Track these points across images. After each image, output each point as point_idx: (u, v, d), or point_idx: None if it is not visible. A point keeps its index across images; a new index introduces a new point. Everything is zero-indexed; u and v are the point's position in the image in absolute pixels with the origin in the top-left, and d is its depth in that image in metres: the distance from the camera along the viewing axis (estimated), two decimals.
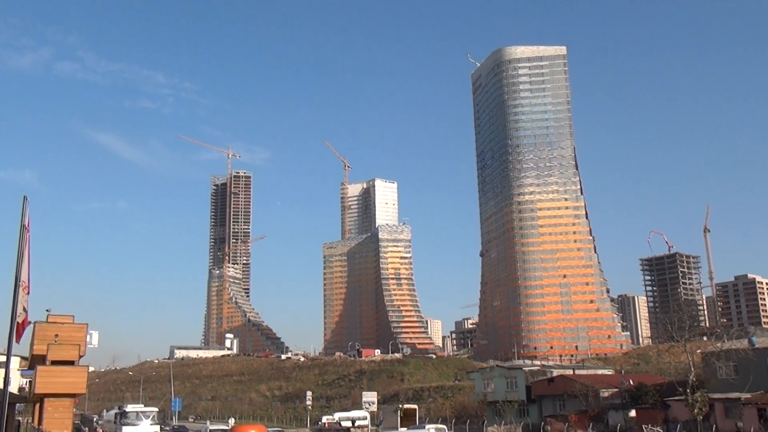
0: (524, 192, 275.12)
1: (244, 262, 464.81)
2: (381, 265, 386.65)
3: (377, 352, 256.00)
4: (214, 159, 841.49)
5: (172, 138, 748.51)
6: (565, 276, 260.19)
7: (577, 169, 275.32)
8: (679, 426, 72.63)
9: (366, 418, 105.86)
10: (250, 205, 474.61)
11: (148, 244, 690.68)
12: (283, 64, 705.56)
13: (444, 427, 69.16)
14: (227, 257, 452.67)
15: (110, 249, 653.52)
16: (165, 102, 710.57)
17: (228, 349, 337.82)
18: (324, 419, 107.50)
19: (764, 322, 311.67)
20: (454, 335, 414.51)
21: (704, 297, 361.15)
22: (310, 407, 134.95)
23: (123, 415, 70.51)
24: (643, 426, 73.40)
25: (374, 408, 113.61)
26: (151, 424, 68.35)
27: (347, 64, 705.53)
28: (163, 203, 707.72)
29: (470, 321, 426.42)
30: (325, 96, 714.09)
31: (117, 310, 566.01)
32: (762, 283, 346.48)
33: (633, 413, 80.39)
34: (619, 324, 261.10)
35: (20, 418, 58.68)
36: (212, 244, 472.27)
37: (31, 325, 43.15)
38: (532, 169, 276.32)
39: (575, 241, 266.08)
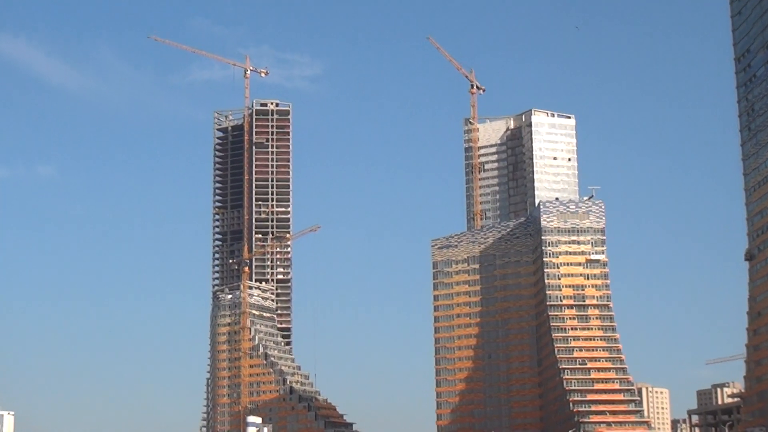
0: None
1: (281, 277, 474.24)
2: (547, 281, 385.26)
3: None
4: (217, 81, 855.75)
5: (136, 41, 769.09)
6: None
7: None
8: None
9: None
10: (288, 166, 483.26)
11: (95, 244, 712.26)
12: None
13: None
14: (247, 268, 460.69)
15: (28, 254, 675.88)
16: None
17: None
18: None
19: None
20: (695, 419, 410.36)
21: None
22: None
23: None
24: None
25: None
26: None
27: None
28: (123, 167, 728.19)
29: (728, 390, 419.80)
30: None
31: (45, 377, 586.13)
32: None
33: None
34: None
35: None
36: (219, 244, 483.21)
37: None
38: None
39: None
